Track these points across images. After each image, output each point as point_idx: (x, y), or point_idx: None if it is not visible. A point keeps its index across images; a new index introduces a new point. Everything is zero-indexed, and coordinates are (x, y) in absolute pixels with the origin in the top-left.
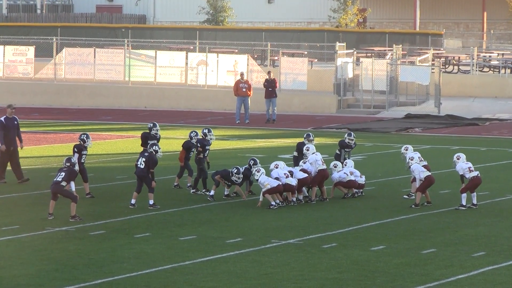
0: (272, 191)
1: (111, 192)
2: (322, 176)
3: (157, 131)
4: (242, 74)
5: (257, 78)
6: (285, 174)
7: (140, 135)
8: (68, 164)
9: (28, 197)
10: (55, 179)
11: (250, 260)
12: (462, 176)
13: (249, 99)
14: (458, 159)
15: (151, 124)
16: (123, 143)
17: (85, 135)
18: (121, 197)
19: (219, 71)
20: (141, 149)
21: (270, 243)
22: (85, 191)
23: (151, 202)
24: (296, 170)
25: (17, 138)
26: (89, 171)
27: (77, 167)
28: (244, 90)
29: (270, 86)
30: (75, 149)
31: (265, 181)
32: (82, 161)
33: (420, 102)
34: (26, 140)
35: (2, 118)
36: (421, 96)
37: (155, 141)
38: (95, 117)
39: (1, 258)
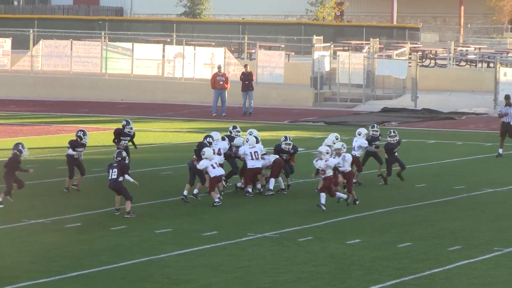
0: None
1: (87, 185)
2: (278, 166)
3: (130, 129)
4: (219, 67)
5: (234, 71)
6: (250, 153)
7: (114, 131)
8: (119, 158)
9: (3, 189)
10: (110, 177)
11: (226, 253)
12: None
13: (226, 92)
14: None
15: (125, 122)
16: (99, 136)
17: (82, 132)
18: (97, 190)
19: (196, 63)
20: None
21: (246, 236)
22: (73, 182)
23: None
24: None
25: None
26: (65, 163)
27: (127, 160)
28: (221, 83)
29: (247, 79)
30: (69, 145)
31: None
32: (76, 156)
33: (397, 96)
34: (2, 132)
35: None
36: (398, 90)
37: (127, 138)
38: (72, 109)
39: None
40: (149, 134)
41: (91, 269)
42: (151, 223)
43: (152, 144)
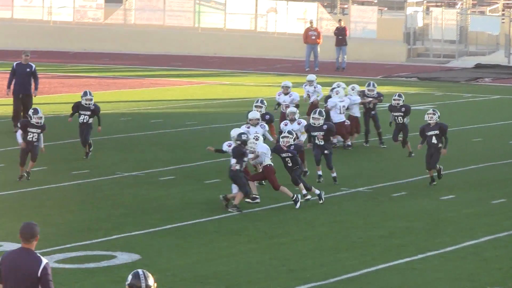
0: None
1: (179, 139)
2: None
3: (88, 101)
4: (311, 22)
5: (327, 26)
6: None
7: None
8: (238, 142)
9: (96, 142)
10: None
11: (319, 208)
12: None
13: (318, 47)
14: None
15: (82, 93)
16: (192, 89)
17: (33, 110)
18: (188, 144)
19: (289, 18)
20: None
21: (340, 191)
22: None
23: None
24: None
25: (33, 85)
26: (158, 116)
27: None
28: (313, 37)
29: (340, 34)
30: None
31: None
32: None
33: (490, 52)
34: (97, 85)
35: (15, 63)
36: (491, 46)
37: (87, 113)
38: (165, 63)
39: (72, 202)
40: (242, 88)
41: (185, 222)
42: None
43: (245, 98)
